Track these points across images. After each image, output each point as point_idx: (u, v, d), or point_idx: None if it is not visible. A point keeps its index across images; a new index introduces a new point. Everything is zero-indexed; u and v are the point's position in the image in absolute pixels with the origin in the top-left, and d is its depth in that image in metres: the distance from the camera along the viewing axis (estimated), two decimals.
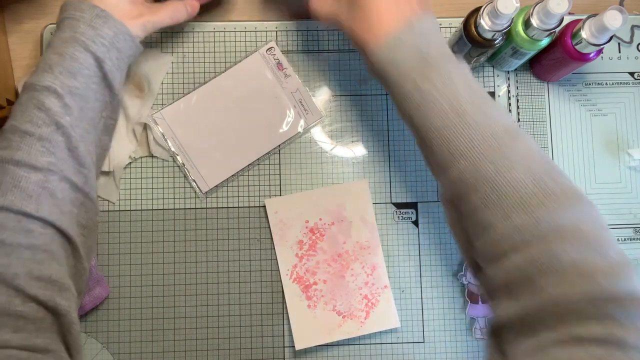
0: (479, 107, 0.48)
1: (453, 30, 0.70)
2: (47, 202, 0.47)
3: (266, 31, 0.70)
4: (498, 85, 0.71)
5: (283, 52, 0.70)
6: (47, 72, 0.51)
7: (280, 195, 0.68)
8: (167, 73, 0.69)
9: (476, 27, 0.61)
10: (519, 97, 0.71)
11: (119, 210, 0.67)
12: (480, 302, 0.67)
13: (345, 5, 0.54)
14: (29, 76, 0.52)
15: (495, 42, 0.62)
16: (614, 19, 0.57)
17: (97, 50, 0.53)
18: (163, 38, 0.69)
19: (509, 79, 0.71)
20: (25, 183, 0.47)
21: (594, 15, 0.60)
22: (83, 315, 0.64)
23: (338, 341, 0.65)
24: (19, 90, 0.65)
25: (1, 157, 0.48)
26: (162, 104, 0.68)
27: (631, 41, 0.72)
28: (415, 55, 0.50)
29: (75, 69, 0.52)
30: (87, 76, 0.52)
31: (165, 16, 0.60)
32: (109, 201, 0.67)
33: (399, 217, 0.68)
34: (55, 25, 0.68)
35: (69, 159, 0.50)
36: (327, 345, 0.65)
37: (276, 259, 0.66)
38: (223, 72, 0.69)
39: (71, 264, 0.49)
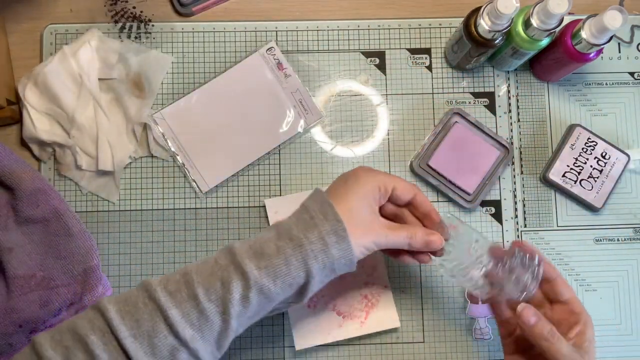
0: None
1: (453, 30, 0.71)
2: None
3: (266, 31, 0.70)
4: (498, 85, 0.71)
5: (283, 52, 0.70)
6: (254, 257, 0.47)
7: (280, 195, 0.68)
8: (167, 73, 0.69)
9: (476, 27, 0.61)
10: (519, 97, 0.71)
11: (119, 210, 0.67)
12: (480, 302, 0.67)
13: None
14: (238, 244, 0.47)
15: (495, 42, 0.62)
16: (614, 19, 0.57)
17: (313, 267, 0.48)
18: (163, 38, 0.69)
19: (509, 79, 0.71)
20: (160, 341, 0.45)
21: (594, 15, 0.60)
22: None
23: (338, 341, 0.65)
24: (19, 90, 0.65)
25: (159, 301, 0.45)
26: (162, 104, 0.68)
27: (631, 41, 0.72)
28: None
29: (281, 274, 0.47)
30: (287, 284, 0.48)
31: (401, 238, 0.52)
32: (109, 201, 0.67)
33: None
34: (56, 26, 0.68)
35: (213, 343, 0.47)
36: (327, 345, 0.65)
37: None
38: (223, 72, 0.69)
39: None
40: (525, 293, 0.52)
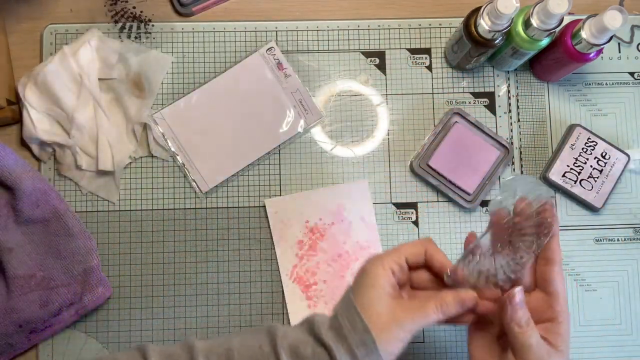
0: None
1: (453, 30, 0.71)
2: None
3: (266, 31, 0.70)
4: (498, 85, 0.71)
5: (283, 52, 0.70)
6: (291, 356, 0.47)
7: (280, 195, 0.68)
8: (167, 73, 0.69)
9: (476, 27, 0.61)
10: (519, 97, 0.71)
11: (119, 210, 0.67)
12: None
13: None
14: (281, 332, 0.48)
15: (495, 42, 0.62)
16: (614, 19, 0.57)
17: None
18: (163, 38, 0.69)
19: (509, 79, 0.71)
20: None
21: (594, 15, 0.60)
22: (84, 315, 0.64)
23: None
24: (19, 90, 0.65)
25: None
26: (162, 104, 0.68)
27: (631, 41, 0.72)
28: None
29: None
30: None
31: (430, 314, 0.49)
32: (109, 201, 0.67)
33: (399, 217, 0.68)
34: (56, 26, 0.68)
35: None
36: None
37: (276, 259, 0.66)
38: (223, 72, 0.69)
39: None
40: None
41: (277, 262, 0.66)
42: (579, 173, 0.67)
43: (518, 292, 0.48)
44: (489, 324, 0.52)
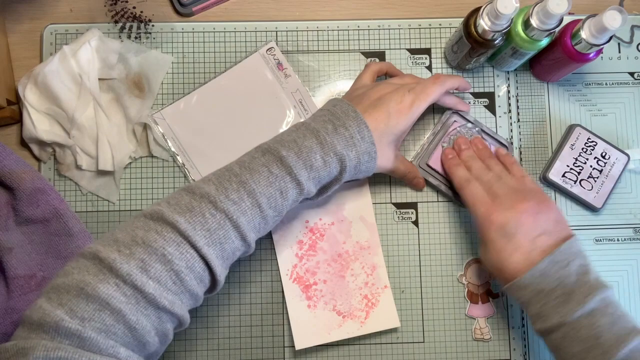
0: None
1: (453, 30, 0.71)
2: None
3: (266, 31, 0.70)
4: (498, 85, 0.71)
5: (283, 52, 0.70)
6: (305, 169, 0.54)
7: None
8: (167, 73, 0.69)
9: (476, 27, 0.61)
10: (519, 97, 0.71)
11: (119, 210, 0.67)
12: (480, 302, 0.67)
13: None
14: (285, 152, 0.54)
15: (495, 42, 0.62)
16: (613, 19, 0.57)
17: (344, 177, 0.57)
18: (163, 38, 0.69)
19: (509, 79, 0.71)
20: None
21: (594, 15, 0.60)
22: None
23: (338, 341, 0.65)
24: (19, 90, 0.65)
25: (228, 212, 0.51)
26: (162, 104, 0.68)
27: (631, 41, 0.72)
28: (541, 298, 0.55)
29: (322, 181, 0.57)
30: (322, 186, 0.58)
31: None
32: (109, 201, 0.67)
33: (399, 217, 0.68)
34: (56, 26, 0.68)
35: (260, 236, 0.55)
36: (327, 345, 0.65)
37: (276, 259, 0.66)
38: (223, 72, 0.69)
39: None
40: None
41: (277, 262, 0.66)
42: (579, 173, 0.67)
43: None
44: None
